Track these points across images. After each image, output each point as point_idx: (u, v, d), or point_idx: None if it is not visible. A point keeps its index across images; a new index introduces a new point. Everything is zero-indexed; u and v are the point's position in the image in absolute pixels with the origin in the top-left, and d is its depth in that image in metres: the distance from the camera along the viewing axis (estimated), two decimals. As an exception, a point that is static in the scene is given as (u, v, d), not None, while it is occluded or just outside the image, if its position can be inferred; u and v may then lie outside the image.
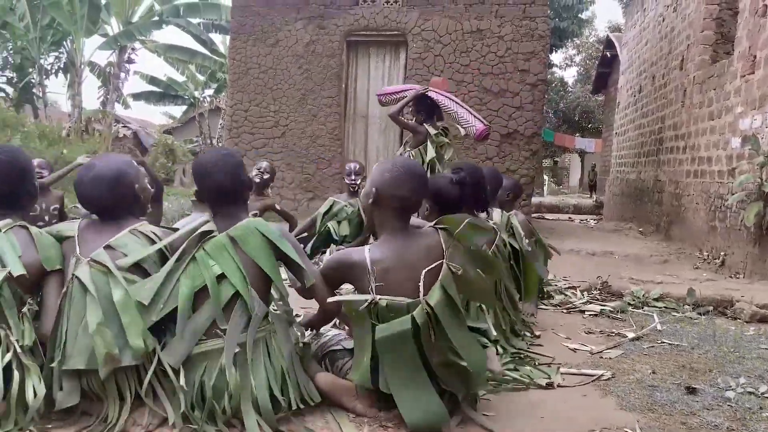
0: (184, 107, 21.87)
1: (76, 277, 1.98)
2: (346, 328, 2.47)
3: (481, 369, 2.11)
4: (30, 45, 16.48)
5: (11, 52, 16.89)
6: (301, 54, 8.39)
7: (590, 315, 4.04)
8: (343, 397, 2.12)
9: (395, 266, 2.06)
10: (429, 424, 1.94)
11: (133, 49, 18.89)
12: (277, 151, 8.47)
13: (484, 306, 2.84)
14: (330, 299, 2.14)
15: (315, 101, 8.15)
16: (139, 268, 2.05)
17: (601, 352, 3.17)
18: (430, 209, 3.01)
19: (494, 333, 2.83)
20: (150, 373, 1.94)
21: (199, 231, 2.09)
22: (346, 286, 2.31)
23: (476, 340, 2.23)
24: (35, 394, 1.88)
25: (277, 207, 5.21)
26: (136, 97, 20.29)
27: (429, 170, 5.04)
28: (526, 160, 8.01)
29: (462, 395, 2.11)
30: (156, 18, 17.23)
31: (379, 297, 1.99)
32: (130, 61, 19.02)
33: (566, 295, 4.46)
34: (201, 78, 20.20)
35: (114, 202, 2.14)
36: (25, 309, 1.98)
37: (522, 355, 2.99)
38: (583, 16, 18.07)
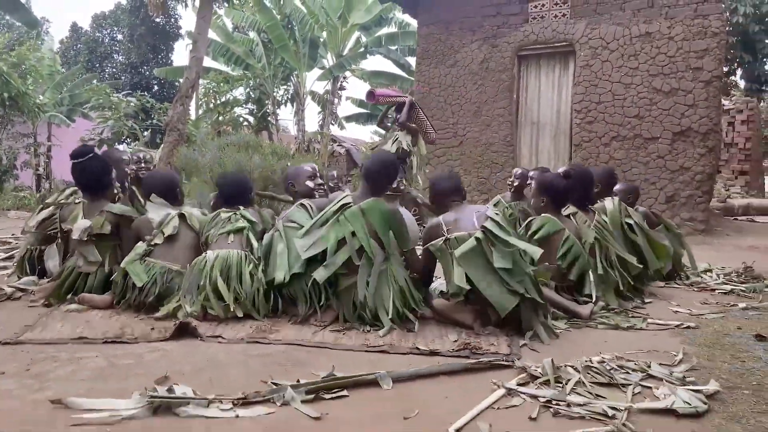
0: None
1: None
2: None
3: (534, 253, 3.04)
4: (266, 81, 20.06)
5: (252, 88, 20.68)
6: (476, 71, 9.36)
7: (719, 293, 4.25)
8: (454, 313, 3.07)
9: (458, 220, 3.13)
10: (507, 304, 2.86)
11: (344, 78, 21.64)
12: (455, 159, 9.54)
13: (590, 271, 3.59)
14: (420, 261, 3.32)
15: (488, 112, 9.03)
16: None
17: (702, 315, 3.51)
18: (545, 202, 3.78)
19: (594, 292, 3.54)
20: (326, 294, 3.14)
21: (341, 203, 3.26)
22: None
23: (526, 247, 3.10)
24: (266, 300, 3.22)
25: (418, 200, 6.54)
26: (348, 119, 23.15)
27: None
28: (702, 157, 7.90)
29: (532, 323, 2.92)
30: (362, 49, 19.81)
31: (448, 234, 3.07)
32: (342, 88, 21.79)
33: (701, 277, 4.73)
34: (401, 98, 22.27)
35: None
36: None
37: (618, 310, 3.57)
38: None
